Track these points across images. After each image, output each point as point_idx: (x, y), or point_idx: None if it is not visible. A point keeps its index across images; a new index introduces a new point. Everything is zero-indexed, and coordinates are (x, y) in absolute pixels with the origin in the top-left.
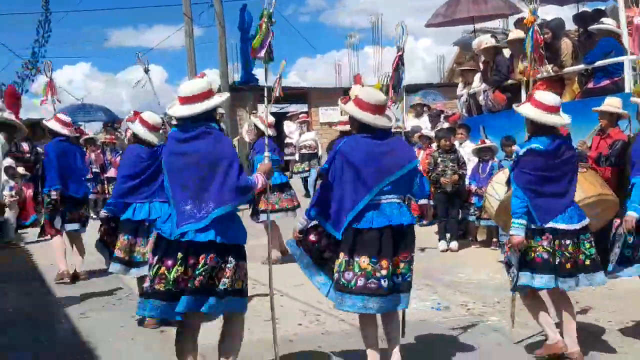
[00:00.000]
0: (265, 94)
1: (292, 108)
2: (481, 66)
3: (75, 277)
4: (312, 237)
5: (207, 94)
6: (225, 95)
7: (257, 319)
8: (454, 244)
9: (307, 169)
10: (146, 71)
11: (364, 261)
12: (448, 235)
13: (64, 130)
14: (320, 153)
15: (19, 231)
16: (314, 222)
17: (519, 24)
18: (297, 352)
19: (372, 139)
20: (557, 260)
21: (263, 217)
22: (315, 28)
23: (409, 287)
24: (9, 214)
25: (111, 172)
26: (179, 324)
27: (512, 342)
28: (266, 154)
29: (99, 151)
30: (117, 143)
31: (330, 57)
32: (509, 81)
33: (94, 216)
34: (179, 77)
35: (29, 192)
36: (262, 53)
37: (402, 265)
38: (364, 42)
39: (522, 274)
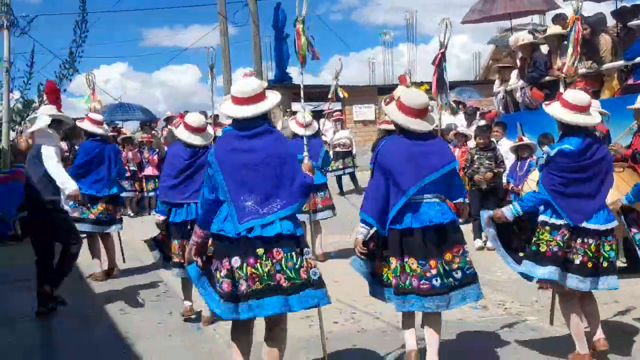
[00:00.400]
0: (302, 94)
1: (326, 106)
2: (518, 63)
3: (107, 274)
4: (372, 245)
5: (263, 94)
6: (278, 94)
7: (292, 315)
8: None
9: (340, 167)
10: (211, 68)
11: (412, 263)
12: (483, 233)
13: (97, 129)
14: (354, 151)
15: None
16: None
17: (556, 19)
18: (334, 352)
19: (413, 139)
20: (579, 258)
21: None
22: (347, 26)
23: (474, 278)
24: None
25: (148, 170)
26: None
27: (550, 341)
28: (305, 154)
29: (136, 150)
30: (154, 142)
31: (363, 55)
32: (547, 78)
33: (131, 214)
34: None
35: None
36: (312, 55)
37: (456, 260)
38: (397, 40)
39: (526, 263)
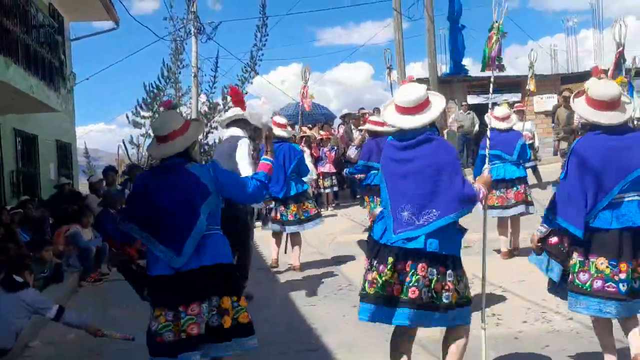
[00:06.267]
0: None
1: (505, 97)
2: None
3: (295, 269)
4: (553, 240)
5: (426, 103)
6: (443, 99)
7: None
8: None
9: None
10: (389, 69)
11: (601, 263)
12: None
13: (282, 132)
14: (537, 144)
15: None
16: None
17: None
18: (524, 352)
19: (609, 134)
20: None
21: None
22: (525, 14)
23: None
24: None
25: (325, 168)
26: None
27: None
28: (486, 166)
29: (315, 145)
30: (332, 139)
31: (542, 44)
32: None
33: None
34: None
35: None
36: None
37: None
38: (580, 25)
39: None
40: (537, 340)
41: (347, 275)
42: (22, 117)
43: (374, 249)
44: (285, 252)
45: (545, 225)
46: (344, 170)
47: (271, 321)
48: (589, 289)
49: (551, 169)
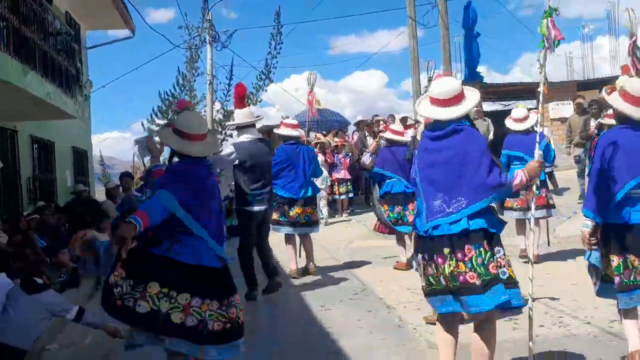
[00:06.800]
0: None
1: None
2: None
3: (305, 272)
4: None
5: (461, 96)
6: (477, 93)
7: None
8: None
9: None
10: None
11: (634, 260)
12: None
13: (293, 132)
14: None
15: None
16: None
17: None
18: (541, 354)
19: (635, 130)
20: None
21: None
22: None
23: None
24: None
25: (340, 174)
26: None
27: None
28: (537, 151)
29: (329, 151)
30: (347, 146)
31: (557, 50)
32: None
33: (324, 216)
34: (399, 80)
35: None
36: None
37: None
38: (595, 32)
39: None
40: (554, 344)
41: (362, 280)
42: (39, 124)
43: (420, 243)
44: (301, 256)
45: (586, 218)
46: (365, 175)
47: (287, 325)
48: (635, 283)
49: (567, 175)
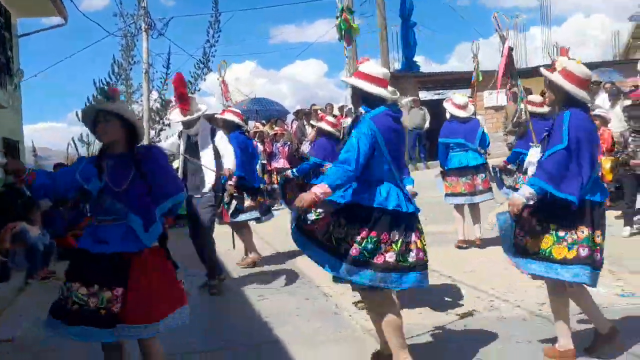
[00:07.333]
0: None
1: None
2: None
3: (253, 263)
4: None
5: (382, 81)
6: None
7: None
8: None
9: None
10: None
11: (598, 236)
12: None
13: (239, 120)
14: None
15: None
16: None
17: None
18: (472, 339)
19: (585, 112)
20: None
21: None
22: (475, 11)
23: None
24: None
25: (279, 163)
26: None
27: None
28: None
29: (268, 140)
30: (286, 135)
31: (492, 41)
32: None
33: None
34: (338, 70)
35: None
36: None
37: None
38: (530, 23)
39: None
40: (485, 327)
41: (300, 269)
42: None
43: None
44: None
45: (534, 192)
46: (289, 172)
47: (224, 315)
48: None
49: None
